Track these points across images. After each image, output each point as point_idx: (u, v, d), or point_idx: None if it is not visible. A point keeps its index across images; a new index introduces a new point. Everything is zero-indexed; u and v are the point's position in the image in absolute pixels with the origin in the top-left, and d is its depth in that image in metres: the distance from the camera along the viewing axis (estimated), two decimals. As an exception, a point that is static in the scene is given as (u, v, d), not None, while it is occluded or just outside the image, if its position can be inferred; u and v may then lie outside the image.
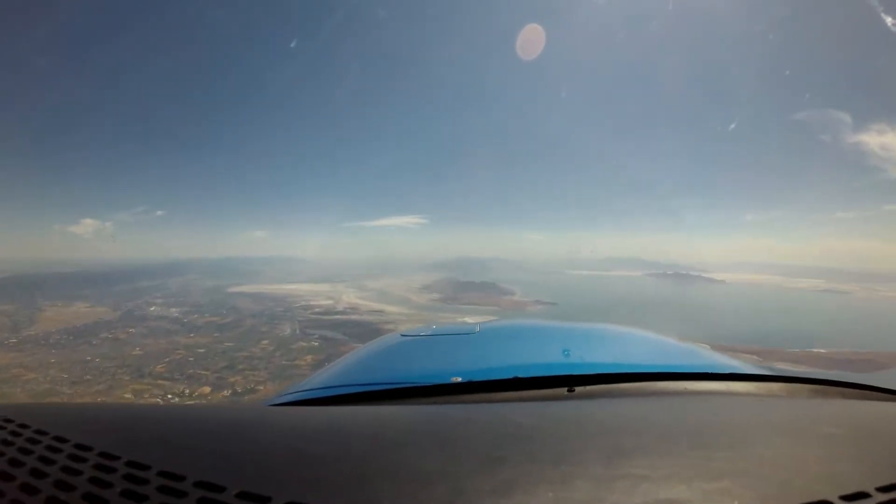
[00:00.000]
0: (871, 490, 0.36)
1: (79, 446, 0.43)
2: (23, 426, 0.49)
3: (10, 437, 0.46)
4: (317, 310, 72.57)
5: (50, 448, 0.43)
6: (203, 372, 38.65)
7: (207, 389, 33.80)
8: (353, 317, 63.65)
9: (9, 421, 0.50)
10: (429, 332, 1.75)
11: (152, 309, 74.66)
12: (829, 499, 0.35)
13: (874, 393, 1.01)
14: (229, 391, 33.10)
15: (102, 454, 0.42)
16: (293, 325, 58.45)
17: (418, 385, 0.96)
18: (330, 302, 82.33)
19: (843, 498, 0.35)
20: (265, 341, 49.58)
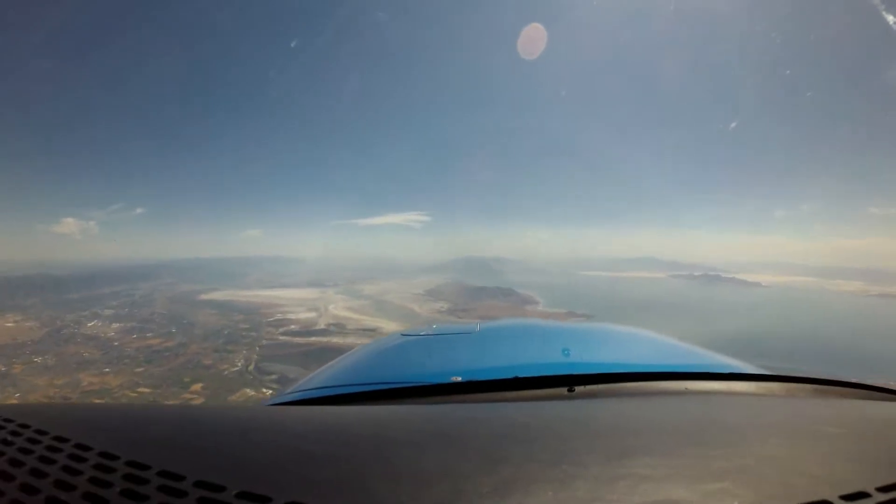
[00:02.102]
0: (871, 490, 0.36)
1: (79, 446, 0.43)
2: (23, 426, 0.49)
3: (10, 437, 0.46)
4: (292, 327, 57.58)
5: (50, 448, 0.43)
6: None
7: None
8: (335, 339, 48.45)
9: (9, 421, 0.50)
10: (429, 332, 1.75)
11: (91, 325, 59.99)
12: (829, 499, 0.34)
13: (874, 392, 1.02)
14: None
15: (102, 454, 0.41)
16: (251, 353, 43.55)
17: (418, 385, 0.96)
18: (312, 315, 67.25)
19: (843, 498, 0.35)
20: (198, 385, 34.58)
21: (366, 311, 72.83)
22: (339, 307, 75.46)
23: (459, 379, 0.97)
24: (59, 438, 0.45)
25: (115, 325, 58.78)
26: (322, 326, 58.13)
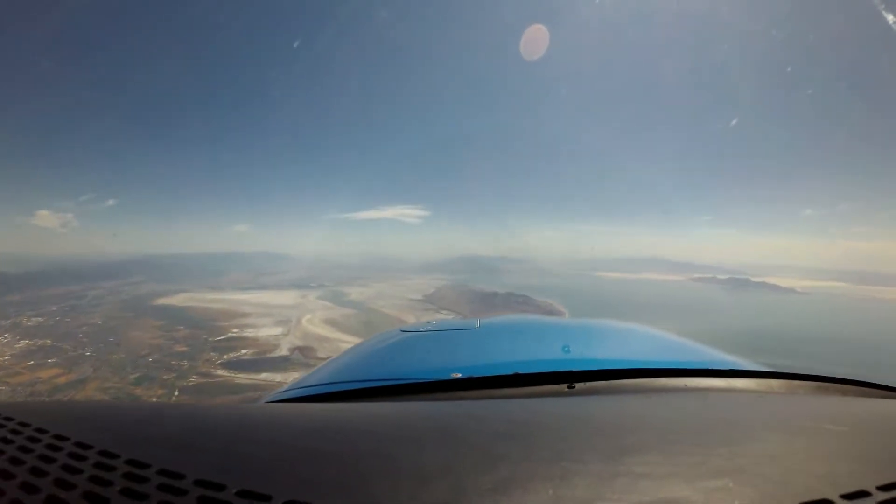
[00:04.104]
0: (871, 489, 0.36)
1: (79, 444, 0.43)
2: (23, 424, 0.49)
3: (10, 436, 0.46)
4: (242, 352, 44.34)
5: (50, 446, 0.43)
6: None
7: None
8: (295, 374, 34.58)
9: (9, 419, 0.50)
10: (429, 328, 1.74)
11: (-6, 341, 46.77)
12: (830, 497, 0.34)
13: (875, 390, 1.01)
14: None
15: (102, 452, 0.41)
16: (168, 398, 29.95)
17: (418, 381, 0.96)
18: (278, 331, 53.89)
19: (844, 496, 0.34)
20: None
21: (348, 325, 59.43)
22: (315, 319, 62.14)
23: (459, 375, 0.97)
24: (58, 437, 0.45)
25: (21, 344, 45.55)
26: (283, 352, 44.91)
